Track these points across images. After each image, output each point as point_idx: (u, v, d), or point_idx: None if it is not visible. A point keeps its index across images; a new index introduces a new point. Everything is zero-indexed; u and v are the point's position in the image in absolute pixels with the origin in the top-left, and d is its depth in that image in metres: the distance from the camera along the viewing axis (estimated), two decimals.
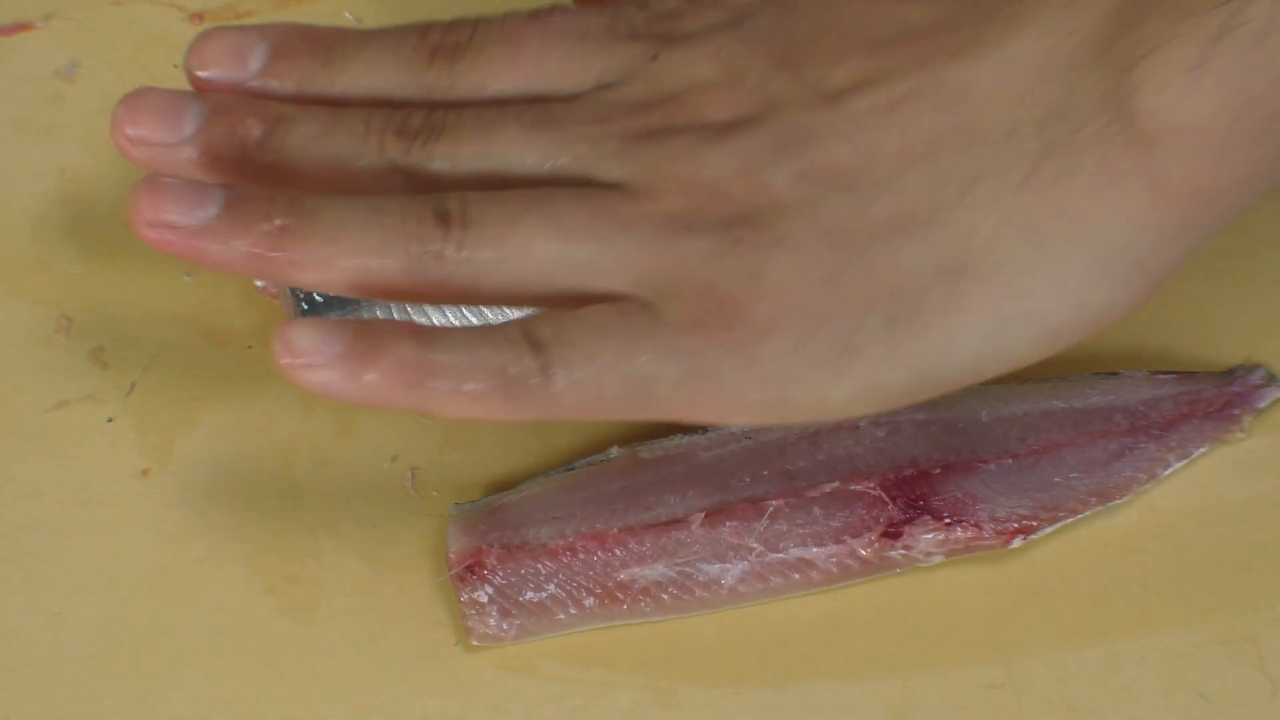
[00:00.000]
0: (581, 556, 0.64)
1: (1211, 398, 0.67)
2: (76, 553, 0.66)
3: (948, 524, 0.64)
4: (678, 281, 0.55)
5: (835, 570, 0.64)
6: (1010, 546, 0.64)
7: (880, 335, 0.54)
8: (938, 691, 0.63)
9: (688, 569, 0.64)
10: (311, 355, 0.54)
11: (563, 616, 0.64)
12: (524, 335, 0.55)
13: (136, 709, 0.63)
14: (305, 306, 0.66)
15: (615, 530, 0.64)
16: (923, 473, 0.65)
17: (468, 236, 0.55)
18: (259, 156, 0.57)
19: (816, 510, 0.65)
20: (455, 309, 0.66)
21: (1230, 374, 0.68)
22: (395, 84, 0.59)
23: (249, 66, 0.59)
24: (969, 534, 0.64)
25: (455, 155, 0.57)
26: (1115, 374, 0.67)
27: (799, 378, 0.54)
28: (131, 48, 0.76)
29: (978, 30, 0.55)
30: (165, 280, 0.71)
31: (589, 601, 0.64)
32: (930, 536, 0.64)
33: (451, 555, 0.64)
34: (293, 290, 0.66)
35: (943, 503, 0.64)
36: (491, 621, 0.63)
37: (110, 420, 0.68)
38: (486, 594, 0.64)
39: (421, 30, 0.59)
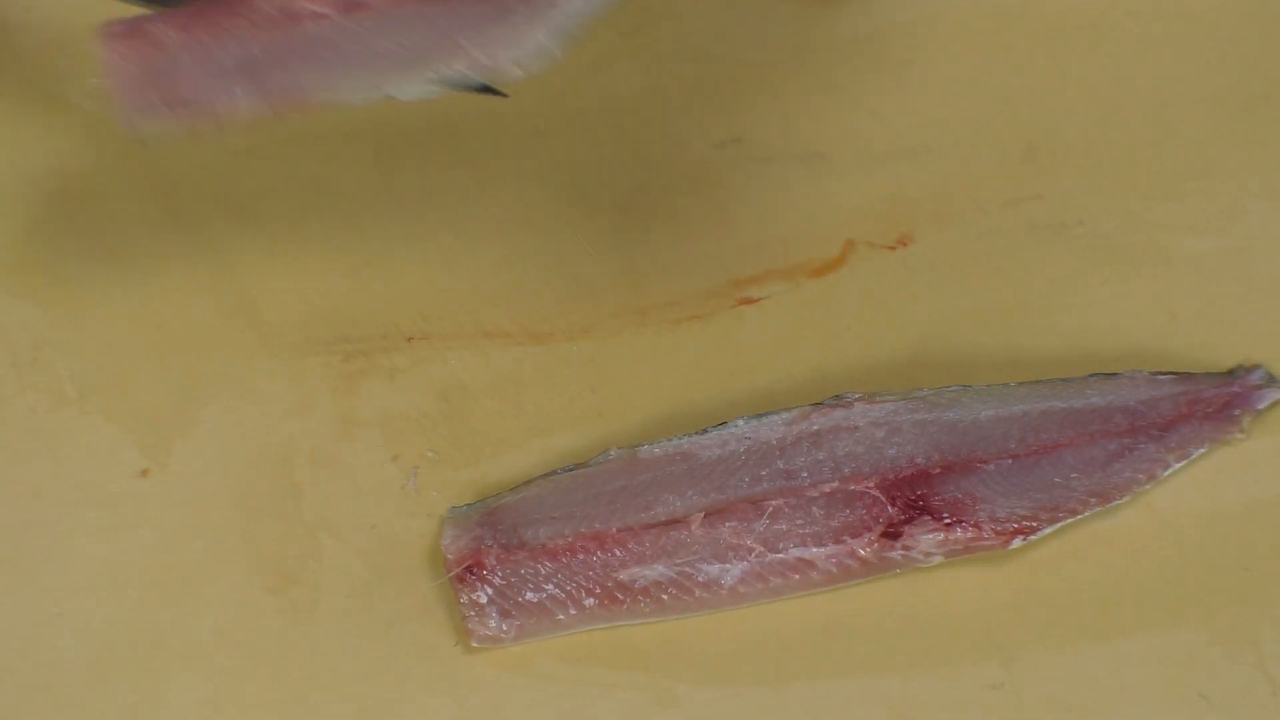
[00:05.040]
0: (581, 557, 0.64)
1: (1211, 398, 0.67)
2: (76, 553, 0.66)
3: (947, 524, 0.64)
4: None
5: (835, 570, 0.64)
6: (1010, 547, 0.64)
7: None
8: (938, 691, 0.63)
9: (687, 569, 0.64)
10: None
11: (562, 617, 0.64)
12: None
13: (136, 709, 0.63)
14: None
15: (614, 530, 0.64)
16: (922, 473, 0.65)
17: None
18: None
19: (816, 510, 0.64)
20: None
21: (1230, 374, 0.68)
22: None
23: None
24: (969, 534, 0.64)
25: None
26: (1115, 374, 0.67)
27: None
28: None
29: None
30: (165, 280, 0.71)
31: (589, 602, 0.64)
32: (930, 537, 0.64)
33: (449, 556, 0.64)
34: None
35: (942, 503, 0.64)
36: (491, 622, 0.63)
37: (110, 420, 0.68)
38: (486, 595, 0.64)
39: None
